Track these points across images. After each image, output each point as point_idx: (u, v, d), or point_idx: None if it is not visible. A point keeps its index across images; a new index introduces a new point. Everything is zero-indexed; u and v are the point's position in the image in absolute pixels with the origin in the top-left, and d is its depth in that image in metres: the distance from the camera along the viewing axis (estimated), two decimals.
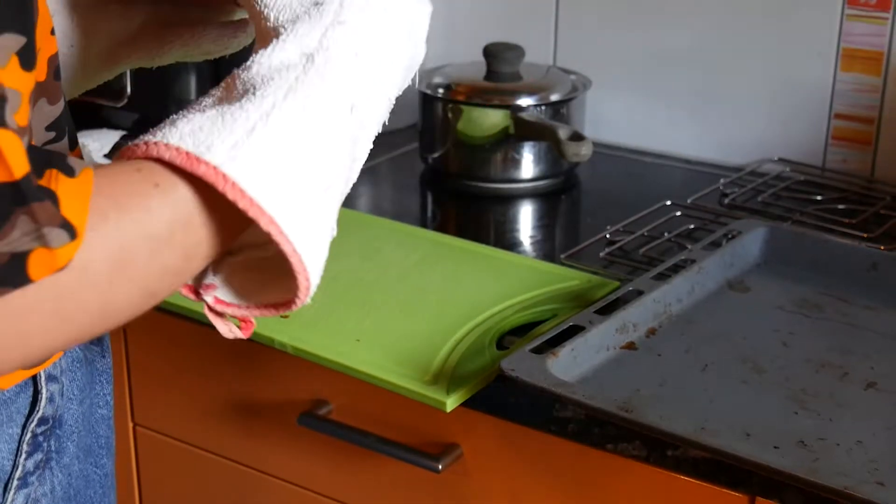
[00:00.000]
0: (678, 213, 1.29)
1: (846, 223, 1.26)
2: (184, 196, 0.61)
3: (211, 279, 0.68)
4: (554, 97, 1.39)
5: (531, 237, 1.31)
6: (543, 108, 1.37)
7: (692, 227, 1.26)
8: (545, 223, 1.37)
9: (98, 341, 0.83)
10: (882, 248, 1.17)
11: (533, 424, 0.97)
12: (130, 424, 1.28)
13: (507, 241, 1.30)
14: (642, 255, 1.18)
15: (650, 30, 1.49)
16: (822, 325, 1.04)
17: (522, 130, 1.36)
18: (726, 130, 1.47)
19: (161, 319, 1.13)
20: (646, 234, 1.23)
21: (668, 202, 1.31)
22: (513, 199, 1.38)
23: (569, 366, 0.93)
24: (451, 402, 0.92)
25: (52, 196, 0.56)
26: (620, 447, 0.92)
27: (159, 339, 1.20)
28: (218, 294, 0.68)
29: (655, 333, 1.02)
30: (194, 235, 0.62)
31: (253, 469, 1.18)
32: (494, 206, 1.38)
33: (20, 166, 0.55)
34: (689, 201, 1.32)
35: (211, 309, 0.69)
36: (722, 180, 1.39)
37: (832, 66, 1.38)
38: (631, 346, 0.99)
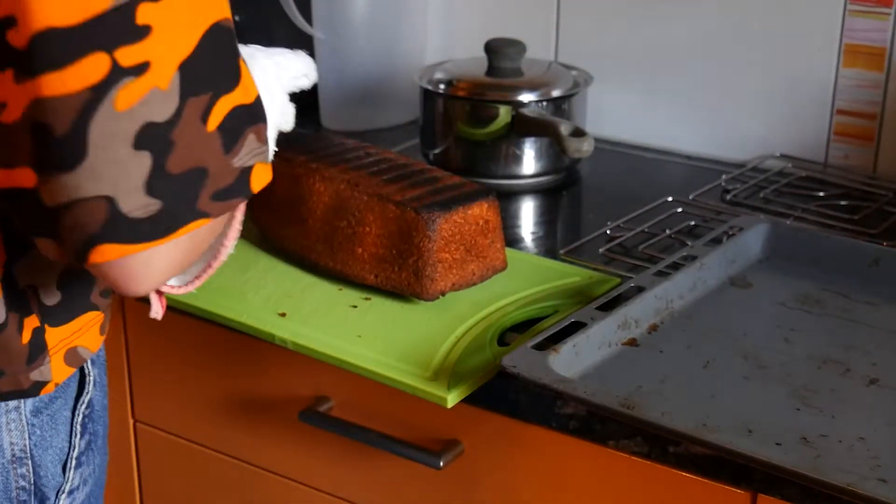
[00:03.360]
0: (679, 210, 1.29)
1: (848, 219, 1.26)
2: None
3: None
4: (555, 93, 1.38)
5: (532, 233, 1.30)
6: (545, 103, 1.37)
7: (693, 223, 1.25)
8: (546, 219, 1.37)
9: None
10: (884, 243, 1.17)
11: (534, 421, 0.96)
12: (131, 421, 1.28)
13: (508, 237, 1.29)
14: (643, 251, 1.18)
15: (652, 25, 1.48)
16: (824, 321, 1.04)
17: (524, 126, 1.35)
18: (728, 126, 1.47)
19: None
20: (647, 230, 1.23)
21: (670, 198, 1.31)
22: (514, 195, 1.37)
23: (570, 362, 0.93)
24: (452, 399, 0.92)
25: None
26: (622, 444, 0.92)
27: (159, 335, 1.20)
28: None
29: (657, 330, 1.02)
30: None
31: (254, 466, 1.18)
32: None
33: (255, 89, 0.65)
34: (690, 197, 1.32)
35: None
36: (724, 176, 1.39)
37: (834, 62, 1.38)
38: (632, 342, 0.99)
